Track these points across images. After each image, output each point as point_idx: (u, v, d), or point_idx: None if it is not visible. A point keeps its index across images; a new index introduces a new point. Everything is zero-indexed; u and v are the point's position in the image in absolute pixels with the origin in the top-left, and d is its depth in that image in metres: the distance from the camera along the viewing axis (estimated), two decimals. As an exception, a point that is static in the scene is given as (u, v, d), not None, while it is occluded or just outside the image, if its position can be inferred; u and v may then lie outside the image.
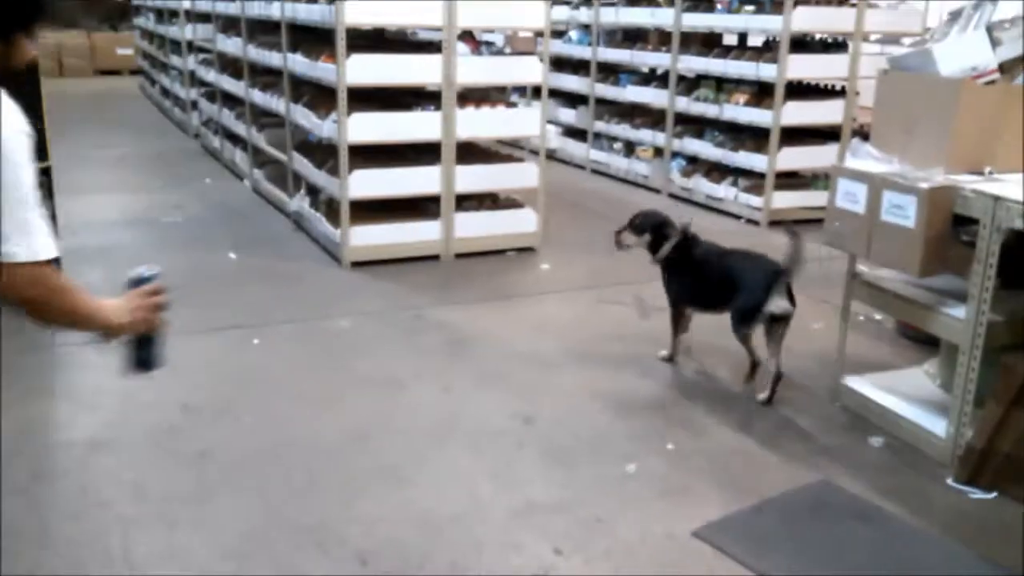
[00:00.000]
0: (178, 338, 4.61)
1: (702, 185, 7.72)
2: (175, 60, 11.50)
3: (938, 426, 3.53)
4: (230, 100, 8.76)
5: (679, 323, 4.44)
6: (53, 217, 5.39)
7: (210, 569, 2.75)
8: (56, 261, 1.96)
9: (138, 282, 2.20)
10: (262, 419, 3.74)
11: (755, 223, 7.14)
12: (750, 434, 3.70)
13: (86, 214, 6.84)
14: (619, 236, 4.35)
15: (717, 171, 7.68)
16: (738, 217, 7.31)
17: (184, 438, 3.56)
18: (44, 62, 5.49)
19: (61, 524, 2.97)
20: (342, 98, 5.49)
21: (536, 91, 6.41)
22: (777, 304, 3.96)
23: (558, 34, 9.70)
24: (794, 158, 7.10)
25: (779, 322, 4.00)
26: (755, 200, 7.19)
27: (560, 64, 9.68)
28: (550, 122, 9.52)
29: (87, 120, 11.81)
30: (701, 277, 4.28)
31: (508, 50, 7.07)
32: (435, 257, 5.94)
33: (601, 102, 9.14)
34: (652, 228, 4.31)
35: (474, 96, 6.23)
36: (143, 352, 2.29)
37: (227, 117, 8.82)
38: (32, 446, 3.48)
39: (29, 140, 1.86)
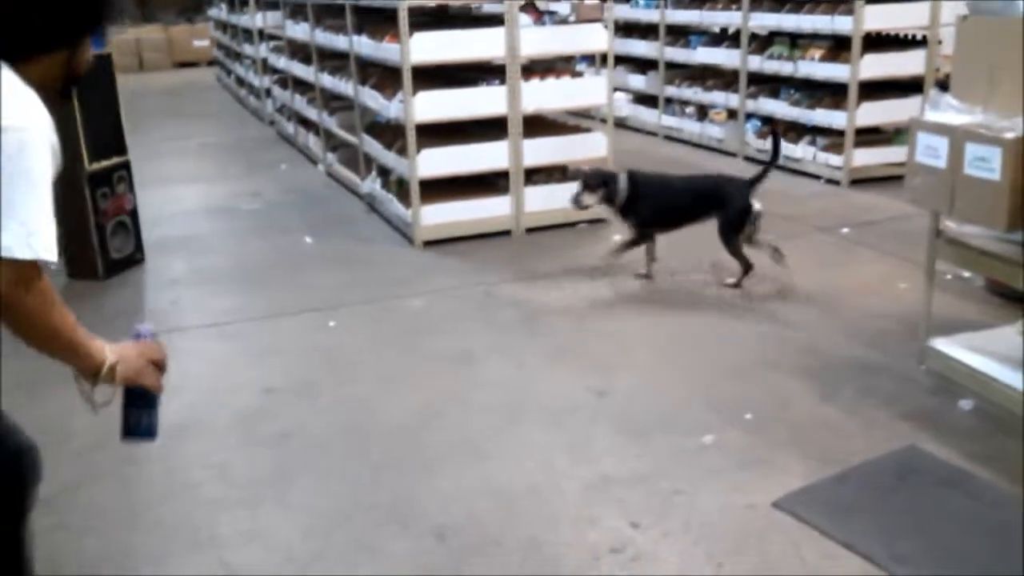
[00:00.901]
0: (259, 322, 4.77)
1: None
2: (248, 49, 11.71)
3: (1032, 387, 3.38)
4: (301, 86, 8.89)
5: (649, 246, 5.08)
6: (135, 211, 5.57)
7: (293, 548, 2.81)
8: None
9: (137, 338, 2.01)
10: (340, 399, 3.80)
11: (835, 183, 6.93)
12: (832, 401, 3.60)
13: (168, 205, 7.03)
14: (578, 199, 4.98)
15: (794, 131, 7.47)
16: (817, 177, 7.11)
17: (266, 420, 3.64)
18: (124, 58, 5.67)
19: (149, 506, 3.07)
20: (407, 78, 5.50)
21: (603, 59, 6.30)
22: (756, 206, 4.79)
23: (625, -1, 9.55)
24: (874, 113, 6.85)
25: (757, 222, 4.81)
26: (835, 159, 6.98)
27: (628, 29, 9.53)
28: (619, 89, 9.39)
29: (166, 112, 12.13)
30: (666, 202, 4.98)
31: (573, 18, 6.95)
32: (506, 232, 5.94)
33: (671, 66, 8.97)
34: (603, 182, 4.94)
35: (539, 68, 6.17)
36: (144, 414, 2.09)
37: (299, 102, 8.95)
38: (120, 432, 3.58)
39: (36, 133, 1.75)
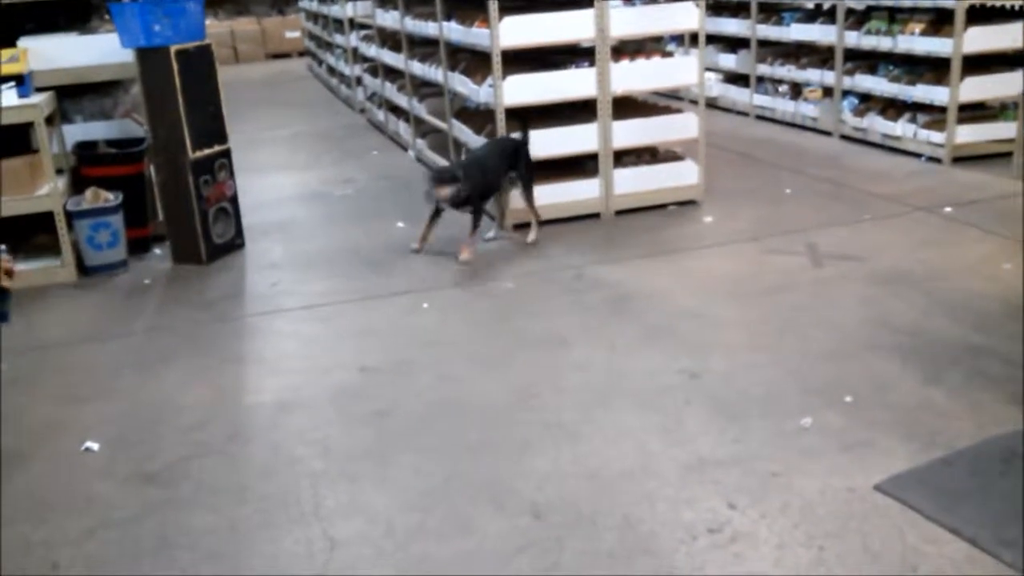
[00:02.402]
0: (353, 304, 4.88)
1: (877, 124, 7.31)
2: (338, 38, 11.91)
3: None
4: (391, 73, 9.00)
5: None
6: (235, 198, 5.75)
7: (394, 521, 2.88)
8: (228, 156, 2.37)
9: None
10: (435, 379, 3.87)
11: (937, 161, 6.71)
12: (937, 384, 3.51)
13: (264, 192, 7.23)
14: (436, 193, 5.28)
15: (893, 108, 7.25)
16: (918, 155, 6.89)
17: (364, 398, 3.73)
18: (220, 50, 5.83)
19: (255, 481, 3.18)
20: (497, 62, 5.53)
21: (693, 38, 6.21)
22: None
23: (715, -23, 9.39)
24: (979, 88, 6.58)
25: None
26: (936, 136, 6.75)
27: (718, 8, 9.37)
28: (709, 69, 9.24)
29: (261, 102, 12.45)
30: (481, 176, 5.35)
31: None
32: (596, 215, 5.93)
33: (763, 44, 8.78)
34: (451, 178, 5.22)
35: (629, 49, 6.13)
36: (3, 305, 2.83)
37: (389, 90, 9.07)
38: (227, 409, 3.74)
39: None
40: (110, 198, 5.43)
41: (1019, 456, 2.99)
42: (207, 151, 5.51)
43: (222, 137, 5.66)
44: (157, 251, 5.81)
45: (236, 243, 5.80)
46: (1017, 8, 6.89)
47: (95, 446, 3.44)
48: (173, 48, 5.22)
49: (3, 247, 2.84)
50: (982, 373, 3.57)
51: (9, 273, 2.82)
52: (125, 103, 6.13)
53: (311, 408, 3.69)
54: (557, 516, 2.85)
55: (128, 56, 5.46)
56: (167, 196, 5.57)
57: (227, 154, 5.71)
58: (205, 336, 4.51)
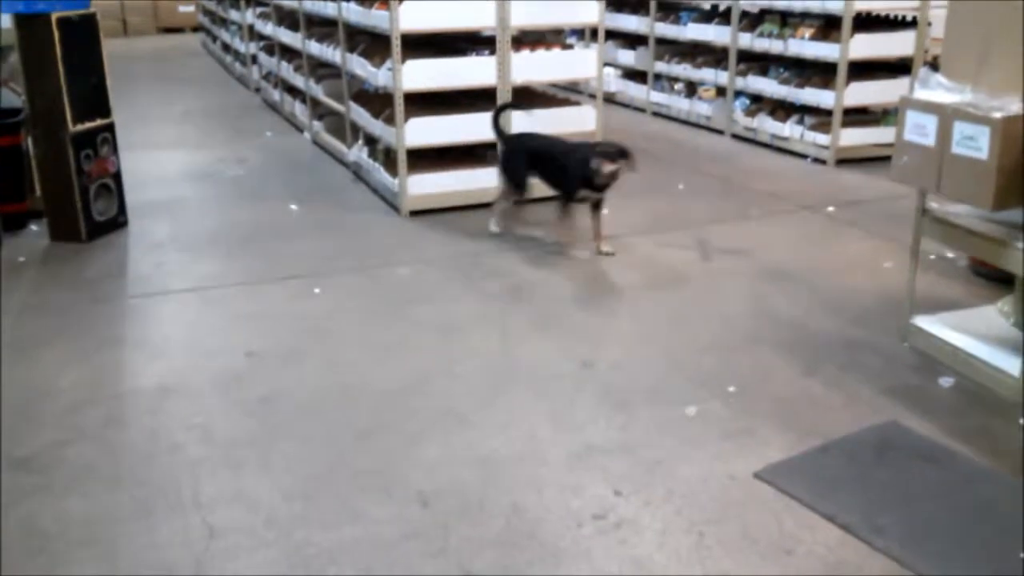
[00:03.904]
0: (242, 288, 4.74)
1: (767, 124, 7.54)
2: (234, 15, 11.57)
3: (1011, 365, 3.41)
4: (288, 53, 8.79)
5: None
6: (118, 174, 5.52)
7: (276, 510, 2.81)
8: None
9: None
10: (325, 365, 3.80)
11: (822, 162, 6.95)
12: (815, 375, 3.63)
13: (151, 169, 6.97)
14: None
15: (782, 109, 7.48)
16: (804, 156, 7.13)
17: (249, 384, 3.63)
18: (108, 21, 5.58)
19: (133, 467, 3.06)
20: (396, 45, 5.46)
21: (593, 32, 6.27)
22: None
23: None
24: (863, 93, 6.86)
25: None
26: (822, 138, 7.00)
27: (618, 4, 9.48)
28: (608, 64, 9.36)
29: (151, 77, 11.99)
30: None
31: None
32: (492, 204, 5.91)
33: (661, 42, 8.94)
34: (620, 154, 4.87)
35: (529, 39, 6.13)
36: None
37: (285, 70, 8.86)
38: (105, 393, 3.58)
39: None
40: (-19, 170, 5.14)
41: (892, 445, 3.12)
42: (89, 124, 5.26)
43: (105, 111, 5.42)
44: (34, 227, 5.53)
45: (119, 221, 5.57)
46: (901, 18, 7.20)
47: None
48: (55, 15, 4.97)
49: None
50: (859, 366, 3.71)
51: None
52: (3, 71, 5.81)
53: (193, 393, 3.56)
54: (445, 503, 2.83)
55: (6, 21, 5.17)
56: (45, 170, 5.30)
57: (110, 128, 5.47)
58: (83, 317, 4.31)
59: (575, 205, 5.13)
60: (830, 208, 5.86)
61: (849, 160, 6.87)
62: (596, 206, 5.09)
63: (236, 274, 4.85)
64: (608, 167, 4.81)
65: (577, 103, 6.43)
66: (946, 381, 3.55)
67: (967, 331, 3.75)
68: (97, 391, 3.60)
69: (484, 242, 5.30)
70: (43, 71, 5.05)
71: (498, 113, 5.51)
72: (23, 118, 5.35)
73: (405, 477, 2.97)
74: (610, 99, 9.27)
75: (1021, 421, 3.24)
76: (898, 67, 6.99)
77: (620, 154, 4.85)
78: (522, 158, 5.30)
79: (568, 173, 5.03)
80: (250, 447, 3.18)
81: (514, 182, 5.35)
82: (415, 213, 5.75)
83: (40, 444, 3.19)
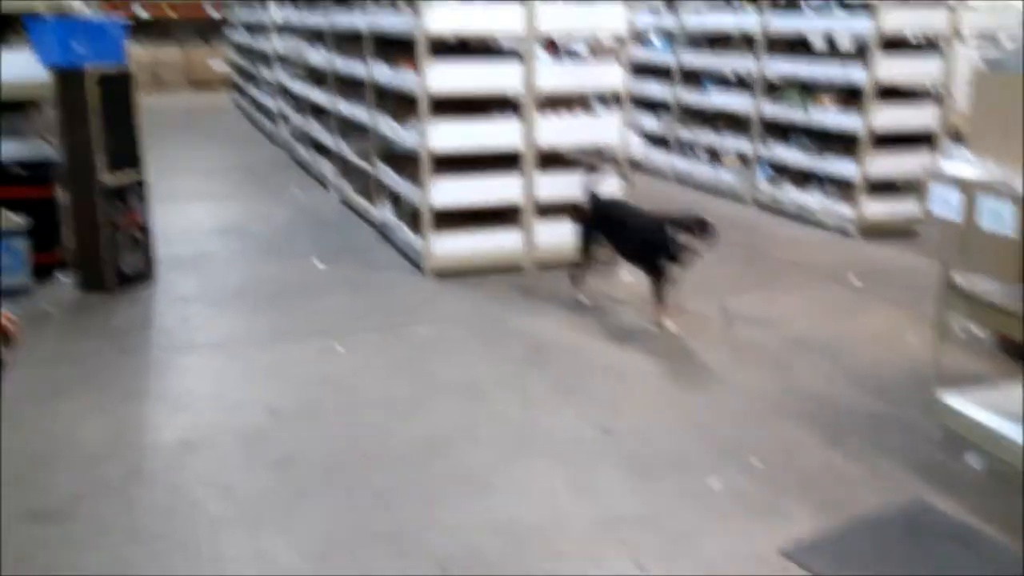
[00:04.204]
0: (266, 344, 4.77)
1: (790, 193, 7.56)
2: (265, 73, 11.81)
3: (1041, 445, 3.37)
4: (317, 111, 8.95)
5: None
6: (147, 228, 5.59)
7: (293, 571, 2.79)
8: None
9: None
10: (346, 424, 3.79)
11: (845, 232, 6.95)
12: (840, 450, 3.59)
13: (180, 223, 7.06)
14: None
15: (806, 179, 7.51)
16: (828, 226, 7.14)
17: (271, 442, 3.63)
18: (142, 76, 5.70)
19: (152, 522, 3.05)
20: (424, 107, 5.55)
21: (617, 98, 6.36)
22: None
23: (640, 40, 9.64)
24: (885, 164, 6.88)
25: None
26: (845, 209, 7.00)
27: (643, 70, 9.61)
28: (632, 130, 9.45)
29: (181, 132, 12.21)
30: None
31: (590, 56, 7.03)
32: (517, 266, 5.95)
33: (684, 109, 9.04)
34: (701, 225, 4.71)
35: (556, 103, 6.21)
36: None
37: (314, 128, 9.01)
38: (127, 446, 3.59)
39: None
40: (16, 220, 5.22)
41: (918, 524, 3.07)
42: (121, 178, 5.36)
43: (137, 164, 5.52)
44: (63, 278, 5.59)
45: (146, 274, 5.63)
46: (925, 90, 7.26)
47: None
48: (91, 70, 5.09)
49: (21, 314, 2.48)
50: (884, 440, 3.67)
51: (6, 338, 2.36)
52: (38, 123, 5.93)
53: (215, 449, 3.56)
54: (463, 570, 2.80)
55: (44, 75, 5.30)
56: (76, 221, 5.38)
57: (142, 182, 5.56)
58: (108, 369, 4.34)
59: (663, 280, 4.89)
60: (854, 279, 5.84)
61: (874, 231, 6.87)
62: (662, 276, 4.91)
63: (260, 330, 4.88)
64: (686, 238, 4.66)
65: (601, 167, 6.48)
66: (974, 459, 3.50)
67: (994, 408, 3.70)
68: (119, 444, 3.61)
69: (508, 303, 5.32)
70: (78, 124, 5.16)
71: (587, 175, 5.42)
72: (57, 170, 5.45)
73: (423, 541, 2.95)
74: (634, 166, 9.34)
75: (1051, 502, 3.19)
76: (922, 139, 7.02)
77: (699, 225, 4.70)
78: (595, 223, 5.24)
79: (647, 244, 4.86)
80: (269, 505, 3.16)
81: (584, 245, 5.31)
82: (440, 273, 5.78)
83: (61, 496, 3.20)
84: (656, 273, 4.89)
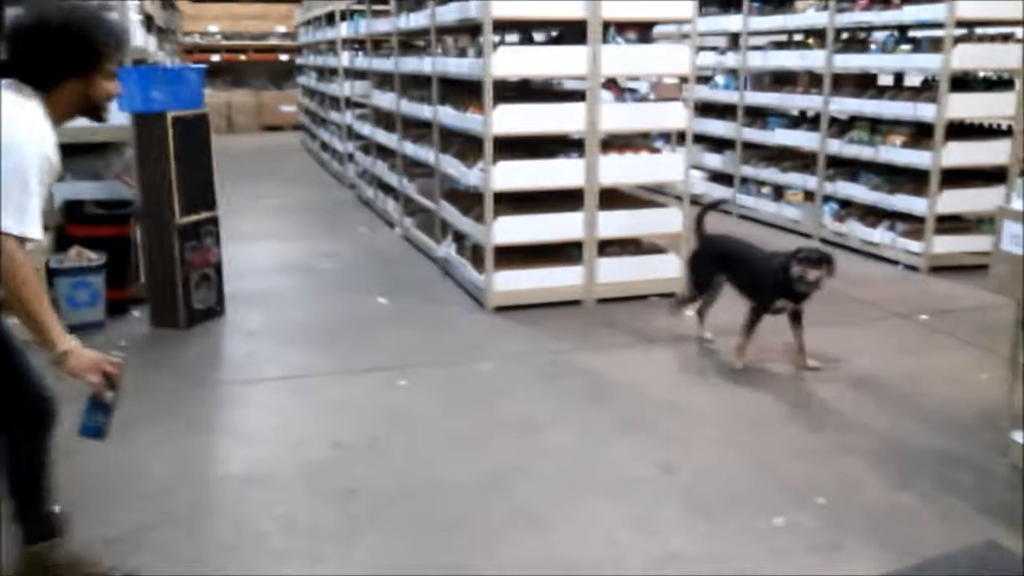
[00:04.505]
0: (330, 377, 4.84)
1: (856, 229, 7.46)
2: (333, 115, 12.11)
3: (1120, 487, 3.24)
4: (383, 152, 9.14)
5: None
6: (219, 265, 5.74)
7: (353, 604, 2.81)
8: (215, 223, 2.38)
9: None
10: (407, 458, 3.83)
11: (914, 269, 6.82)
12: (908, 489, 3.50)
13: (249, 260, 7.24)
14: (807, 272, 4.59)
15: (873, 215, 7.40)
16: (895, 263, 7.01)
17: (333, 475, 3.68)
18: (214, 119, 5.89)
19: (216, 554, 3.11)
20: (488, 147, 5.63)
21: (680, 136, 6.37)
22: None
23: (704, 79, 9.66)
24: (956, 200, 6.76)
25: None
26: (914, 245, 6.88)
27: (706, 109, 9.61)
28: (695, 167, 9.43)
29: (252, 173, 12.56)
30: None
31: (653, 96, 7.08)
32: (577, 302, 5.96)
33: (748, 146, 9.00)
34: (822, 260, 4.63)
35: (617, 142, 6.26)
36: (96, 416, 2.54)
37: (380, 168, 9.20)
38: (194, 478, 3.67)
39: (38, 144, 2.41)
40: (93, 258, 5.43)
41: (989, 567, 2.97)
42: (195, 217, 5.53)
43: (211, 204, 5.70)
44: (136, 313, 5.77)
45: (216, 310, 5.78)
46: (994, 127, 7.13)
47: (55, 508, 3.35)
48: (169, 114, 5.29)
49: (121, 353, 2.61)
50: (953, 481, 3.57)
51: (111, 382, 2.53)
52: (117, 165, 6.18)
53: (279, 482, 3.63)
54: (522, 606, 2.80)
55: (124, 119, 5.52)
56: (151, 259, 5.57)
57: (215, 221, 5.73)
58: (176, 402, 4.46)
59: (762, 316, 4.85)
60: (923, 316, 5.72)
61: (943, 268, 6.73)
62: (796, 318, 4.83)
63: (325, 364, 4.96)
64: (812, 274, 4.56)
65: (664, 205, 6.50)
66: (1048, 501, 3.39)
67: (1071, 449, 3.59)
68: (187, 476, 3.69)
69: (568, 339, 5.33)
70: (156, 165, 5.35)
71: (703, 212, 5.33)
72: (134, 209, 5.66)
73: (483, 576, 2.95)
74: (696, 201, 9.29)
75: None
76: (993, 175, 6.88)
77: (822, 260, 4.61)
78: (712, 260, 5.18)
79: (764, 280, 4.80)
80: (332, 539, 3.20)
81: (697, 284, 5.25)
82: (500, 309, 5.83)
83: (127, 526, 3.27)
84: (763, 309, 4.84)
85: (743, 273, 5.02)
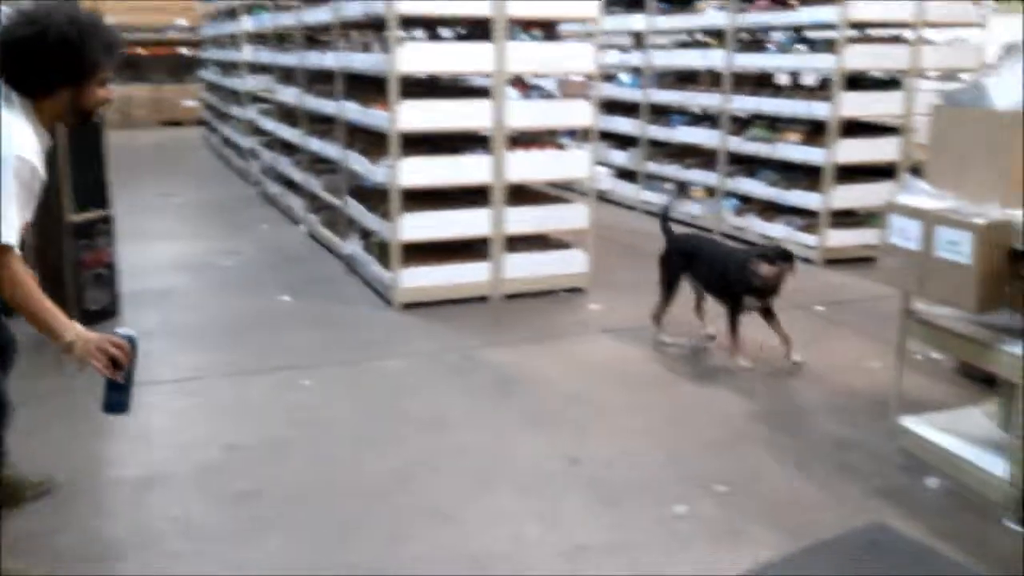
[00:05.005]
0: (230, 378, 4.73)
1: (755, 224, 7.66)
2: (236, 110, 11.84)
3: (997, 467, 3.40)
4: (287, 148, 8.98)
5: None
6: (113, 264, 5.56)
7: (255, 607, 2.76)
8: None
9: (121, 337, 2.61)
10: (310, 459, 3.77)
11: (810, 262, 7.04)
12: (804, 475, 3.62)
13: (147, 259, 7.02)
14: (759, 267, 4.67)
15: (771, 210, 7.61)
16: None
17: (233, 477, 3.60)
18: (111, 113, 5.70)
19: (110, 560, 3.01)
20: (395, 144, 5.58)
21: (586, 133, 6.44)
22: None
23: (609, 78, 9.77)
24: (849, 196, 7.01)
25: None
26: (809, 239, 7.10)
27: (611, 107, 9.73)
28: (601, 164, 9.55)
29: (151, 169, 12.18)
30: None
31: (559, 94, 7.13)
32: (484, 298, 5.97)
33: (652, 144, 9.15)
34: (781, 256, 4.74)
35: (524, 139, 6.28)
36: (115, 394, 2.64)
37: (285, 164, 9.03)
38: (85, 484, 3.54)
39: (17, 151, 2.49)
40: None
41: (879, 547, 3.08)
42: (87, 216, 5.33)
43: (105, 202, 5.50)
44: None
45: (111, 310, 5.58)
46: (886, 125, 7.41)
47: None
48: (60, 108, 5.08)
49: (129, 332, 2.65)
50: (848, 465, 3.70)
51: (118, 362, 2.58)
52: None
53: (175, 485, 3.53)
54: (428, 602, 2.79)
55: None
56: (41, 259, 5.33)
57: (109, 219, 5.54)
58: (66, 406, 4.28)
59: (740, 316, 4.87)
60: (819, 307, 5.91)
61: (837, 260, 6.97)
62: (767, 314, 4.89)
63: (225, 365, 4.85)
64: (767, 269, 4.65)
65: (570, 201, 6.55)
66: (933, 482, 3.54)
67: (954, 432, 3.75)
68: (78, 481, 3.56)
69: (476, 335, 5.32)
70: (47, 163, 5.13)
71: (666, 213, 5.43)
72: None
73: (387, 575, 2.93)
74: (602, 197, 9.41)
75: (1008, 523, 3.22)
76: (883, 171, 7.15)
77: (781, 256, 4.71)
78: (679, 259, 5.18)
79: (728, 277, 4.86)
80: (230, 542, 3.13)
81: (668, 284, 5.20)
82: (408, 306, 5.79)
83: (26, 530, 3.14)
84: (735, 307, 4.86)
85: (708, 271, 5.04)
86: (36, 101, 2.59)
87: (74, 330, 2.53)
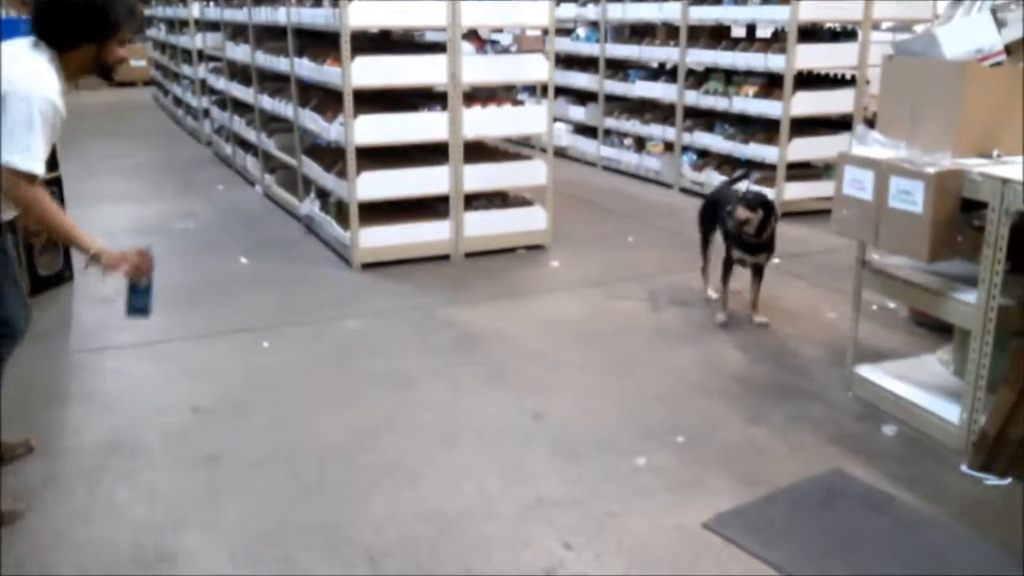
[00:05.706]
0: (189, 342, 4.69)
1: (713, 178, 7.68)
2: (186, 69, 11.59)
3: (951, 413, 3.49)
4: (240, 107, 8.81)
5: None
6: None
7: (220, 570, 2.75)
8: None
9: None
10: (272, 420, 3.75)
11: (767, 215, 7.09)
12: (761, 425, 3.68)
13: (99, 223, 6.87)
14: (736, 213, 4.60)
15: (728, 164, 7.65)
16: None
17: (196, 440, 3.57)
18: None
19: (73, 527, 2.98)
20: (348, 101, 5.50)
21: (543, 89, 6.40)
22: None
23: (566, 32, 9.70)
24: (805, 148, 7.06)
25: None
26: (767, 191, 7.13)
27: (569, 62, 9.67)
28: (559, 120, 9.51)
29: (101, 131, 11.91)
30: None
31: (515, 48, 7.06)
32: (445, 257, 5.95)
33: (610, 98, 9.12)
34: (762, 205, 4.66)
35: (481, 95, 6.23)
36: (134, 299, 3.03)
37: (238, 124, 8.87)
38: (44, 452, 3.50)
39: (43, 90, 2.78)
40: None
41: (837, 494, 3.16)
42: (35, 178, 5.20)
43: (52, 164, 5.36)
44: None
45: (64, 276, 5.48)
46: (841, 76, 7.45)
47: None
48: (1, 68, 4.93)
49: (148, 245, 3.04)
50: (805, 414, 3.77)
51: (141, 269, 3.00)
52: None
53: (137, 451, 3.50)
54: (394, 561, 2.80)
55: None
56: (-12, 224, 5.21)
57: (58, 182, 5.41)
58: (24, 373, 4.21)
59: (730, 267, 4.84)
60: (776, 260, 5.95)
61: (793, 213, 7.03)
62: (756, 271, 4.84)
63: (183, 328, 4.79)
64: (741, 212, 4.58)
65: (529, 157, 6.52)
66: (889, 429, 3.62)
67: (908, 380, 3.83)
68: (40, 449, 3.51)
69: (436, 294, 5.31)
70: None
71: (731, 184, 5.41)
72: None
73: (353, 534, 2.94)
74: (561, 153, 9.41)
75: (962, 467, 3.31)
76: (839, 123, 7.20)
77: (761, 204, 4.63)
78: (708, 214, 5.14)
79: (725, 225, 4.81)
80: (195, 505, 3.12)
81: (702, 241, 5.19)
82: (367, 266, 5.75)
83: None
84: (727, 259, 4.84)
85: (719, 219, 4.95)
86: (63, 54, 2.89)
87: (98, 243, 2.92)
